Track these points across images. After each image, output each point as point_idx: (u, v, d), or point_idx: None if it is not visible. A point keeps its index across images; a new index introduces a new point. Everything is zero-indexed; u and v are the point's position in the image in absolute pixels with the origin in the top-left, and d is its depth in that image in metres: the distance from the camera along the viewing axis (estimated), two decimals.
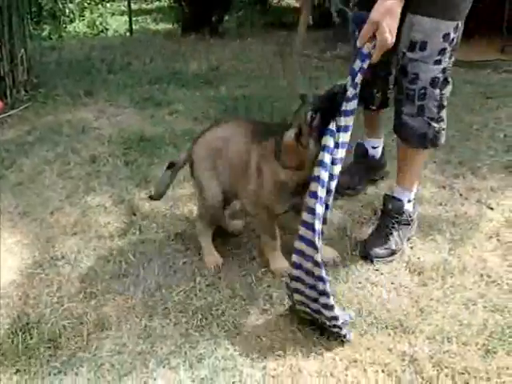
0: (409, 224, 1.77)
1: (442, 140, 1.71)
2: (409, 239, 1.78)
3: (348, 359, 1.33)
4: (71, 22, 7.07)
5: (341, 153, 1.40)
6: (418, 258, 1.71)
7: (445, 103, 1.66)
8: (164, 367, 1.31)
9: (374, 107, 1.97)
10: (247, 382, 1.27)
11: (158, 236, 1.86)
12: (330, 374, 1.29)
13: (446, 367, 1.29)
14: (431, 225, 1.88)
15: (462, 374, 1.27)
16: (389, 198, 1.80)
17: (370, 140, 2.14)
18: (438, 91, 1.61)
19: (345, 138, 1.40)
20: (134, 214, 1.99)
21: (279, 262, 1.64)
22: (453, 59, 1.63)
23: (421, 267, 1.65)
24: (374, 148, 2.15)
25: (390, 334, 1.40)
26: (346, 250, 1.74)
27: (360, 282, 1.60)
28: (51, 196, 2.14)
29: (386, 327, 1.43)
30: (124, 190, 2.18)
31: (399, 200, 1.77)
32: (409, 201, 1.79)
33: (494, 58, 3.98)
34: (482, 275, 1.61)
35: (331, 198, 1.42)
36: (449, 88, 1.64)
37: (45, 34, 6.45)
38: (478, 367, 1.28)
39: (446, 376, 1.27)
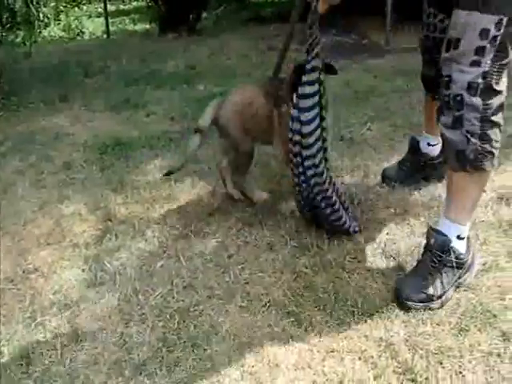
0: (457, 267, 1.45)
1: (489, 164, 1.39)
2: (458, 286, 1.48)
3: (325, 349, 1.33)
4: (46, 26, 6.98)
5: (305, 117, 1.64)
6: (394, 243, 1.71)
7: (494, 119, 1.36)
8: (140, 374, 1.30)
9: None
10: (225, 382, 1.27)
11: (134, 241, 1.85)
12: (308, 365, 1.29)
13: (421, 349, 1.31)
14: (407, 209, 1.89)
15: (436, 353, 1.29)
16: (432, 232, 1.48)
17: (427, 136, 1.90)
18: (478, 100, 1.34)
19: (306, 104, 1.64)
20: (110, 220, 1.97)
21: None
22: (502, 63, 1.34)
23: (396, 252, 1.66)
24: (430, 145, 1.90)
25: (366, 321, 1.41)
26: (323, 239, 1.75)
27: (336, 270, 1.60)
28: (24, 207, 2.12)
29: (363, 314, 1.43)
30: (99, 196, 2.16)
31: (444, 235, 1.46)
32: (459, 237, 1.47)
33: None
34: None
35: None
36: (498, 99, 1.35)
37: (18, 39, 6.37)
38: (451, 346, 1.31)
39: (421, 357, 1.28)
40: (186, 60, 4.42)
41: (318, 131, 1.66)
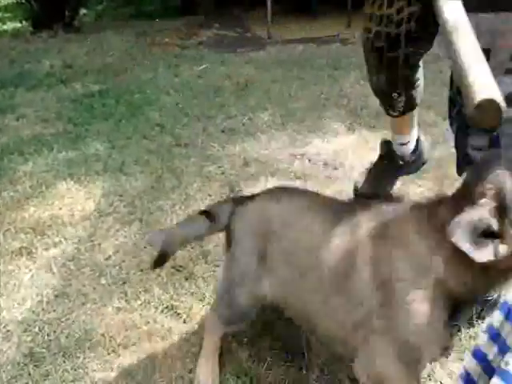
0: None
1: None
2: None
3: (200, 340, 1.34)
4: None
5: None
6: None
7: None
8: None
9: (395, 113, 1.52)
10: None
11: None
12: (185, 356, 1.30)
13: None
14: None
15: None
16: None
17: (397, 136, 1.66)
18: None
19: None
20: None
21: None
22: None
23: None
24: (401, 145, 1.66)
25: None
26: None
27: (216, 259, 1.62)
28: None
29: None
30: None
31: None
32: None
33: (340, 32, 4.29)
34: None
35: None
36: None
37: None
38: None
39: (296, 329, 1.35)
40: (62, 59, 4.13)
41: None
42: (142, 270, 1.60)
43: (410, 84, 1.44)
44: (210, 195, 2.00)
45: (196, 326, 1.38)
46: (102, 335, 1.36)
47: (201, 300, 1.47)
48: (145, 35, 4.89)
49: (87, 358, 1.29)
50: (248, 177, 2.13)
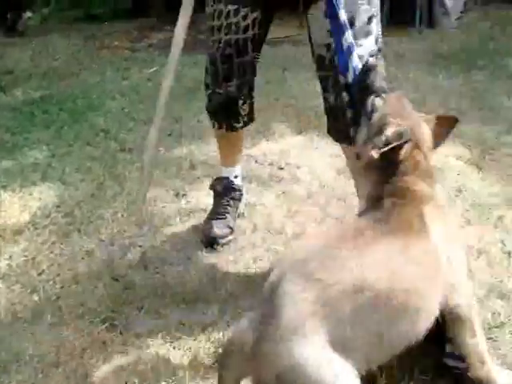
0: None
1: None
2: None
3: (139, 347, 1.30)
4: None
5: None
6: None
7: None
8: None
9: (239, 124, 1.60)
10: None
11: None
12: (121, 368, 1.24)
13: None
14: None
15: None
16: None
17: (232, 168, 1.76)
18: None
19: None
20: None
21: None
22: None
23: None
24: (236, 177, 1.77)
25: (184, 309, 1.41)
26: None
27: (157, 266, 1.58)
28: None
29: (184, 303, 1.43)
30: None
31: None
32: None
33: (292, 34, 4.29)
34: (269, 231, 1.71)
35: None
36: None
37: None
38: None
39: None
40: (3, 64, 3.96)
41: None
42: (77, 283, 1.53)
43: (252, 90, 1.57)
44: (154, 201, 1.95)
45: (133, 338, 1.33)
46: (31, 355, 1.28)
47: (139, 309, 1.42)
48: (93, 38, 4.75)
49: (13, 381, 1.21)
50: (194, 180, 2.09)
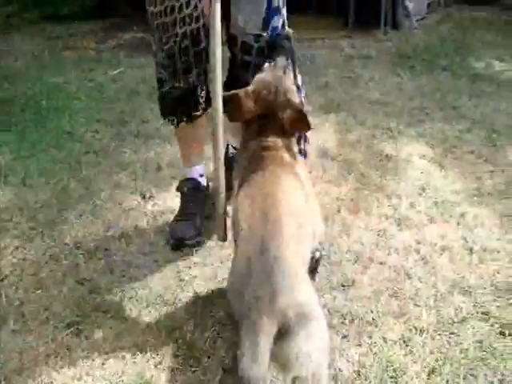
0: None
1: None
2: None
3: (105, 352, 1.29)
4: None
5: None
6: None
7: None
8: None
9: (199, 112, 1.61)
10: None
11: None
12: (86, 373, 1.24)
13: (201, 325, 1.36)
14: None
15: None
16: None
17: (196, 167, 1.76)
18: None
19: None
20: None
21: None
22: None
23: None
24: (201, 176, 1.78)
25: (150, 312, 1.42)
26: None
27: (123, 269, 1.57)
28: None
29: (147, 306, 1.44)
30: None
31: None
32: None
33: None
34: None
35: None
36: None
37: None
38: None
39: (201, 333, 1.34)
40: None
41: None
42: (41, 288, 1.51)
43: (207, 76, 1.58)
44: (119, 203, 1.94)
45: (99, 342, 1.32)
46: None
47: (106, 312, 1.42)
48: (57, 39, 4.65)
49: None
50: (161, 182, 2.08)
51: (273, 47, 1.45)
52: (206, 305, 1.44)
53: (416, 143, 2.32)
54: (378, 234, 1.71)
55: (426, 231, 1.72)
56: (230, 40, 1.59)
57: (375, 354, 1.27)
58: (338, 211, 1.82)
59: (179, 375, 1.22)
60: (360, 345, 1.29)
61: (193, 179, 1.76)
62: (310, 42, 3.92)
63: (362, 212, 1.82)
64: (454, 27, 4.15)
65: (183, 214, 1.72)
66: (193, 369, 1.24)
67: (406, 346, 1.29)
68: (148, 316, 1.41)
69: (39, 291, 1.50)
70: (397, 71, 3.22)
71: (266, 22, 1.50)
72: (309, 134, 1.53)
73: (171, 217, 1.78)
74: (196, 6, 1.50)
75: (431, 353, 1.27)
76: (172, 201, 1.90)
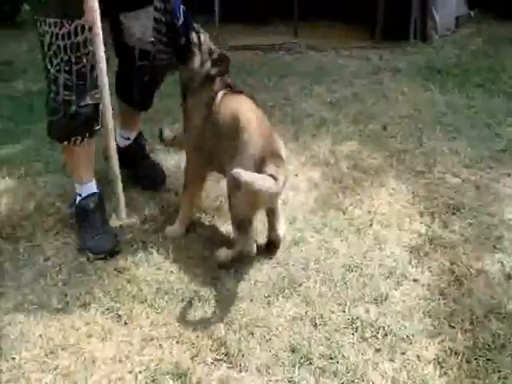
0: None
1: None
2: None
3: (144, 339, 1.37)
4: None
5: None
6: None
7: None
8: None
9: (98, 127, 1.67)
10: None
11: None
12: (126, 357, 1.31)
13: (235, 324, 1.41)
14: None
15: (247, 326, 1.41)
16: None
17: (93, 180, 1.79)
18: None
19: None
20: None
21: None
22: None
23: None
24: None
25: (185, 305, 1.48)
26: None
27: (159, 261, 1.65)
28: None
29: (182, 300, 1.50)
30: None
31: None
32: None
33: (288, 42, 4.41)
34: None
35: None
36: None
37: None
38: (261, 317, 1.43)
39: (234, 332, 1.39)
40: (1, 56, 3.96)
41: None
42: (82, 272, 1.60)
43: None
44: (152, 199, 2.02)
45: (137, 329, 1.40)
46: (40, 336, 1.35)
47: (142, 302, 1.49)
48: None
49: (23, 359, 1.28)
50: None
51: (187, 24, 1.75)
52: (239, 303, 1.49)
53: (449, 161, 2.26)
54: (411, 251, 1.70)
55: (460, 252, 1.69)
56: (122, 49, 1.83)
57: (409, 371, 1.27)
58: (371, 225, 1.85)
59: (215, 370, 1.28)
60: (393, 360, 1.30)
61: (96, 193, 1.77)
62: (336, 51, 3.97)
63: (394, 226, 1.83)
64: (485, 42, 4.01)
65: (100, 228, 1.72)
66: (227, 365, 1.29)
67: (441, 367, 1.28)
68: (183, 310, 1.47)
69: (80, 275, 1.59)
70: (427, 85, 3.14)
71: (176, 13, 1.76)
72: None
73: None
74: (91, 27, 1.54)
75: (467, 377, 1.25)
76: None
